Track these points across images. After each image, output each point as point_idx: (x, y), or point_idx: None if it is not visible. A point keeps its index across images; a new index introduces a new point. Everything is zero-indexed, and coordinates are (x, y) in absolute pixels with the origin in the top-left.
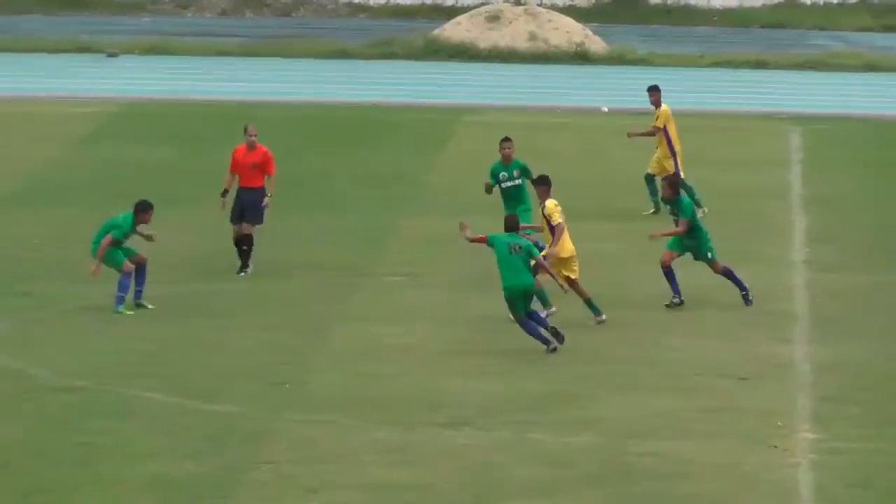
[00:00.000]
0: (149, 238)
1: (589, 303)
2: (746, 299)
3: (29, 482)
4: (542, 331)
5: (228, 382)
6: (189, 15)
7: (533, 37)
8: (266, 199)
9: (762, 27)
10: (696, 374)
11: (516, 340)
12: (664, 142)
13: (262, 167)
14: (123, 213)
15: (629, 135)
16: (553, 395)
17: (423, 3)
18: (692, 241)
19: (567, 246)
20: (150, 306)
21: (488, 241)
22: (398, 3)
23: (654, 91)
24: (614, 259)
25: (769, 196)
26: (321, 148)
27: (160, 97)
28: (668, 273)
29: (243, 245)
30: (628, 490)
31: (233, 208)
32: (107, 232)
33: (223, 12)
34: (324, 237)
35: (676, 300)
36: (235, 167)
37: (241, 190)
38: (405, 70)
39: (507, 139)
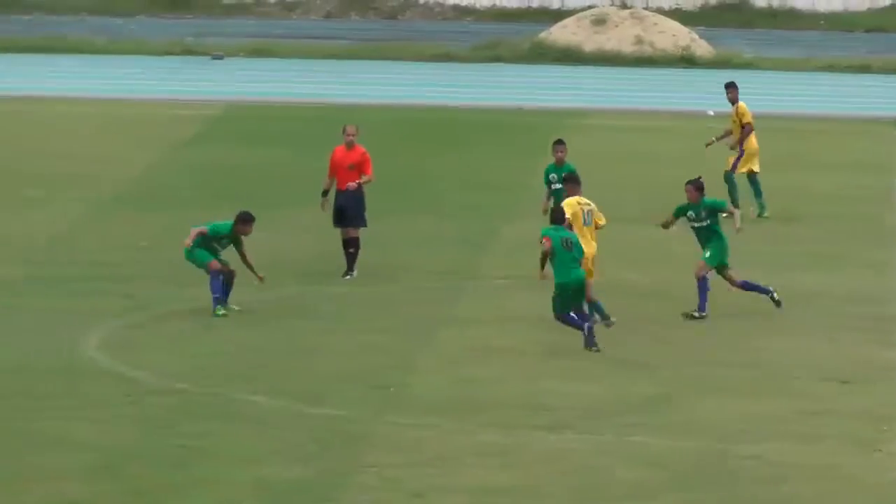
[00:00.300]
0: (258, 276)
1: (594, 306)
2: (775, 301)
3: (132, 485)
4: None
5: (333, 385)
6: (294, 17)
7: (639, 40)
8: (357, 184)
9: (867, 31)
10: (795, 378)
11: (618, 343)
12: (750, 138)
13: (360, 168)
14: (223, 221)
15: (716, 140)
16: (655, 398)
17: (529, 7)
18: (713, 246)
19: (587, 247)
20: (235, 308)
21: (551, 246)
22: (504, 6)
23: (731, 88)
24: None
25: (872, 200)
26: (425, 151)
27: (265, 99)
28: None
29: (350, 248)
30: (729, 493)
31: (333, 211)
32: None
33: (328, 15)
34: (427, 240)
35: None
36: (334, 168)
37: (338, 193)
38: (510, 73)
39: (559, 142)
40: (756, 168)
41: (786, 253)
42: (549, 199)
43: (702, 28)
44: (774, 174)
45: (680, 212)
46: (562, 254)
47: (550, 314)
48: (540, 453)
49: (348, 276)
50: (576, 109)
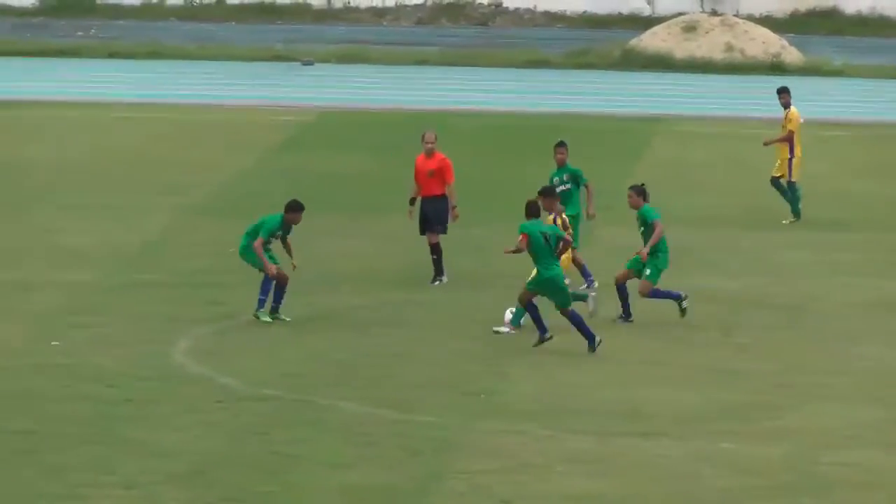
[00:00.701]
0: (266, 269)
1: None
2: (682, 309)
3: (222, 490)
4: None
5: (422, 392)
6: (385, 23)
7: (729, 47)
8: (454, 211)
9: None
10: (888, 385)
11: (710, 350)
12: (787, 144)
13: (441, 175)
14: (272, 214)
15: (765, 143)
16: (748, 405)
17: (620, 13)
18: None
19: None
20: (287, 318)
21: (528, 239)
22: (595, 13)
23: (783, 93)
24: (804, 268)
25: None
26: (516, 157)
27: (355, 106)
28: (621, 290)
29: (432, 254)
30: (822, 500)
31: (420, 218)
32: (255, 232)
33: (419, 21)
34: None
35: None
36: (416, 176)
37: (422, 199)
38: (601, 80)
39: (560, 144)
40: (789, 175)
41: (877, 261)
42: None
43: (792, 35)
44: (866, 181)
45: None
46: (542, 248)
47: (640, 320)
48: (631, 460)
49: (437, 282)
50: (666, 116)
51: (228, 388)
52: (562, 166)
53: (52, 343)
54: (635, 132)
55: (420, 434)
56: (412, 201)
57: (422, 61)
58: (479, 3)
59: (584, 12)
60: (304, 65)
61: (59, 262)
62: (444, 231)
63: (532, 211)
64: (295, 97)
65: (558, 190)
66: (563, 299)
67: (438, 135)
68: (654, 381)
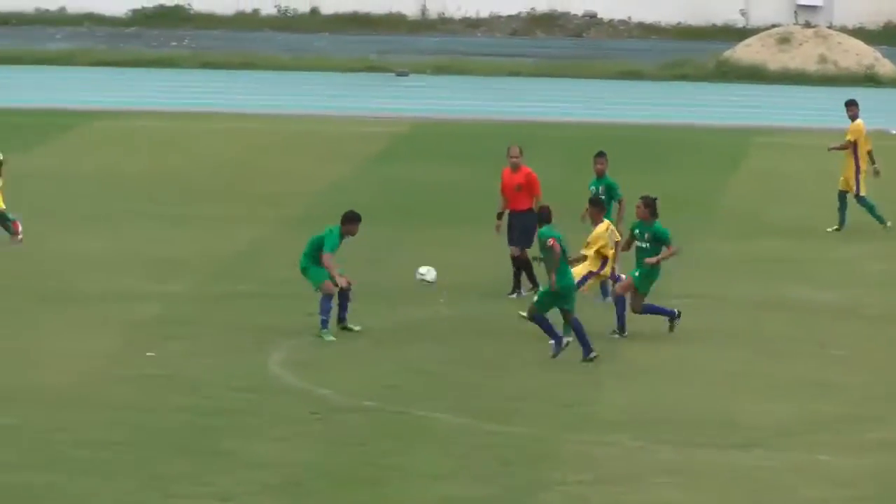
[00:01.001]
0: (335, 282)
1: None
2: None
3: (318, 502)
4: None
5: (516, 403)
6: (479, 34)
7: (823, 59)
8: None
9: None
10: None
11: (804, 361)
12: (852, 157)
13: (528, 189)
14: (330, 227)
15: (829, 149)
16: (844, 417)
17: (714, 25)
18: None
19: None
20: (356, 328)
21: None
22: (689, 25)
23: (851, 105)
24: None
25: None
26: (611, 169)
27: (450, 116)
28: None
29: (516, 267)
30: None
31: (507, 231)
32: (317, 247)
33: (514, 32)
34: None
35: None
36: (503, 190)
37: (510, 213)
38: (695, 91)
39: (600, 154)
40: (845, 188)
41: None
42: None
43: (885, 47)
44: None
45: (632, 229)
46: (562, 255)
47: (734, 332)
48: (726, 472)
49: (514, 295)
50: (761, 128)
51: (324, 399)
52: (600, 177)
53: (148, 354)
54: (729, 144)
55: (515, 445)
56: (499, 215)
57: (516, 72)
58: (574, 14)
59: (679, 24)
60: (399, 76)
61: (155, 273)
62: (529, 245)
63: (546, 217)
64: (389, 108)
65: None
66: (572, 305)
67: (532, 146)
68: (747, 393)
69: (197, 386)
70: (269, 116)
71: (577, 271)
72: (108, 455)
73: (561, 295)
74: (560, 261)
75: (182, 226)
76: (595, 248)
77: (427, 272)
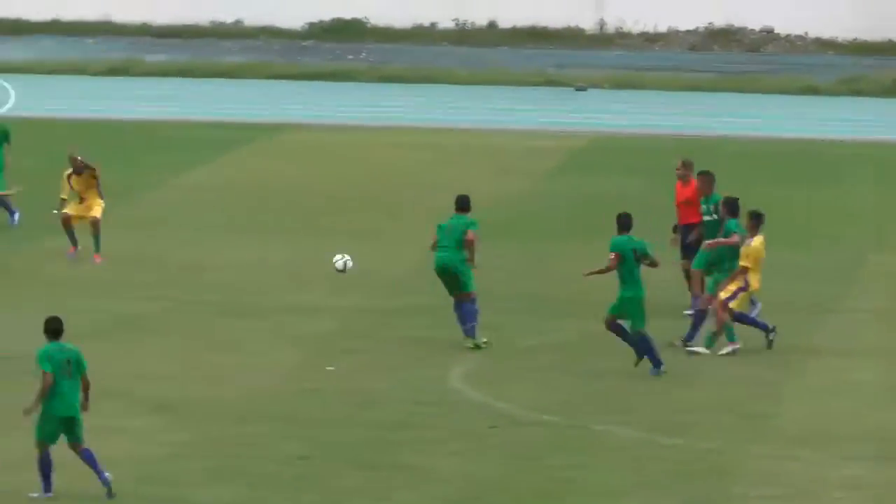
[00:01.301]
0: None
1: (726, 329)
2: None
3: None
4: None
5: (694, 416)
6: (657, 49)
7: None
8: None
9: None
10: None
11: None
12: None
13: (697, 202)
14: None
15: None
16: None
17: (891, 40)
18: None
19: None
20: (484, 340)
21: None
22: (866, 40)
23: None
24: None
25: None
26: (789, 183)
27: (628, 131)
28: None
29: (687, 279)
30: None
31: (680, 245)
32: (461, 241)
33: (692, 47)
34: (790, 272)
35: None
36: (677, 203)
37: (681, 227)
38: (873, 107)
39: (703, 173)
40: None
41: None
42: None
43: None
44: None
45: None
46: (632, 265)
47: None
48: None
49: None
50: None
51: (503, 413)
52: (709, 195)
53: (327, 368)
54: None
55: (694, 459)
56: (675, 228)
57: (694, 87)
58: (751, 30)
59: (855, 39)
60: (577, 90)
61: (333, 287)
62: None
63: (625, 224)
64: (567, 122)
65: (706, 219)
66: (641, 321)
67: (709, 160)
68: None
69: (376, 400)
70: (446, 130)
71: (730, 287)
72: (292, 469)
73: (635, 305)
74: (631, 269)
75: (357, 239)
76: (750, 260)
77: (340, 261)
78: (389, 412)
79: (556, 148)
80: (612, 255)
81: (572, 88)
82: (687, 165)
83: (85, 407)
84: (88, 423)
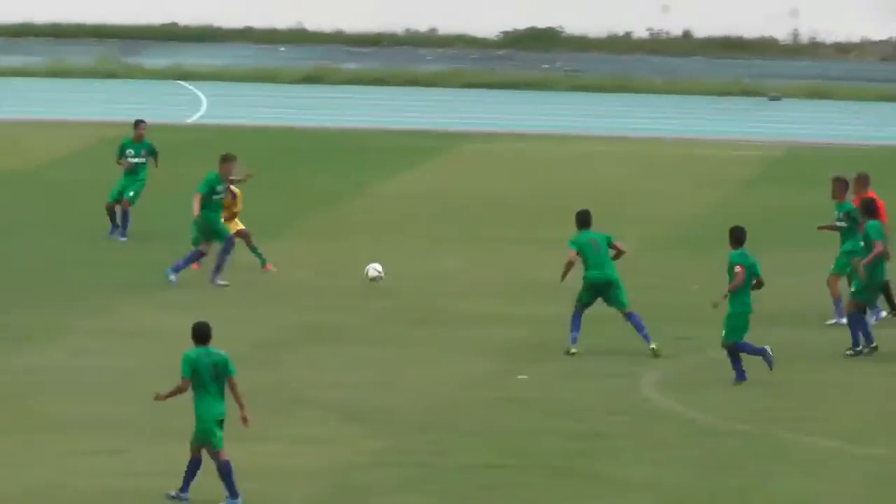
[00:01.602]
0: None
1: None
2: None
3: None
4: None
5: (888, 425)
6: (850, 59)
7: None
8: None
9: None
10: None
11: None
12: None
13: None
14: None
15: None
16: None
17: None
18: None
19: None
20: (652, 346)
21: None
22: None
23: None
24: None
25: None
26: None
27: (821, 141)
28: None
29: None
30: None
31: None
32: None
33: (884, 58)
34: None
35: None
36: None
37: None
38: None
39: (835, 179)
40: None
41: None
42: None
43: None
44: None
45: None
46: (747, 281)
47: None
48: None
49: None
50: None
51: (696, 422)
52: (841, 202)
53: (519, 377)
54: None
55: (885, 469)
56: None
57: (885, 98)
58: None
59: None
60: (772, 100)
61: (524, 296)
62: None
63: (738, 238)
64: (763, 132)
65: (838, 225)
66: (739, 336)
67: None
68: None
69: (570, 409)
70: (641, 139)
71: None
72: (479, 479)
73: (748, 320)
74: (739, 286)
75: (550, 248)
76: None
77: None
78: (584, 421)
79: (752, 158)
80: (739, 268)
81: (767, 98)
82: (860, 178)
83: (243, 413)
84: (281, 432)
